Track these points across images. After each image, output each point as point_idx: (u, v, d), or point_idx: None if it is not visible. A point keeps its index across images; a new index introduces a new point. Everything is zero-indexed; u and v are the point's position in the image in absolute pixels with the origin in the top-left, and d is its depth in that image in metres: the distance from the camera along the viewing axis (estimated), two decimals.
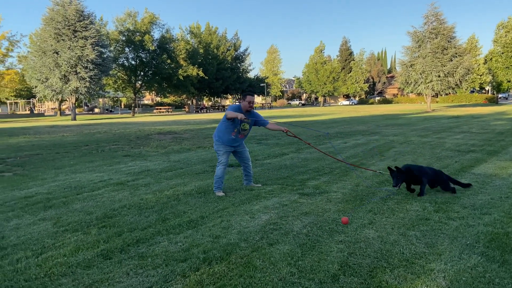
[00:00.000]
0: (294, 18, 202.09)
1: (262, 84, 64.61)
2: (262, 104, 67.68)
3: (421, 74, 37.96)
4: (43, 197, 5.69)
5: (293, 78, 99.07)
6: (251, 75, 67.49)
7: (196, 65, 48.39)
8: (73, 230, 4.24)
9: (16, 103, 60.77)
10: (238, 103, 6.00)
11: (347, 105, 75.76)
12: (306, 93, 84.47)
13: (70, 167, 8.32)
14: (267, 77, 75.53)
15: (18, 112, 55.62)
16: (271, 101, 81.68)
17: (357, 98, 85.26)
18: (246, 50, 63.83)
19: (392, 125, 18.99)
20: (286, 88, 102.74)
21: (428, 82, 37.91)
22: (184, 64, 46.92)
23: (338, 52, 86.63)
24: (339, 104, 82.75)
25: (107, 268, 3.25)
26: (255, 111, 5.75)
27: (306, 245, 3.61)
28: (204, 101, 73.51)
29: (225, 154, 5.68)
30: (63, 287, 2.95)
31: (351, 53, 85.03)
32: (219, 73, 55.31)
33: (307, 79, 73.85)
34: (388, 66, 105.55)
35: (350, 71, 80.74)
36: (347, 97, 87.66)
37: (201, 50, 53.99)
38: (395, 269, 3.09)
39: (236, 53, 61.37)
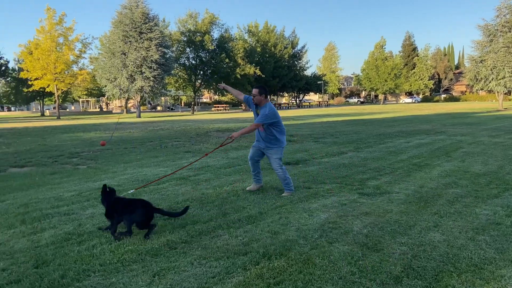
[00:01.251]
0: (354, 14, 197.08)
1: (319, 82, 63.80)
2: (319, 102, 66.87)
3: (492, 70, 35.32)
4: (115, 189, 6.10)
5: (351, 75, 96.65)
6: (308, 72, 66.87)
7: (253, 64, 48.90)
8: None
9: (87, 101, 65.45)
10: (268, 102, 5.62)
11: (409, 103, 72.45)
12: (365, 90, 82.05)
13: (137, 162, 8.84)
14: (325, 75, 74.42)
15: (89, 110, 59.90)
16: (328, 99, 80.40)
17: (420, 96, 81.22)
18: (303, 47, 63.34)
19: (459, 124, 17.89)
20: (344, 85, 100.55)
21: (500, 79, 35.17)
22: (241, 63, 47.63)
23: (400, 47, 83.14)
24: (401, 102, 79.37)
25: (172, 257, 3.44)
26: (264, 108, 5.39)
27: (366, 245, 3.55)
28: None
29: (252, 148, 5.81)
30: (134, 272, 3.17)
31: (414, 49, 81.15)
32: (275, 71, 55.46)
33: (367, 76, 71.70)
34: (456, 62, 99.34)
35: (414, 67, 77.07)
36: (409, 94, 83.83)
37: (259, 49, 54.46)
38: (462, 274, 2.95)
39: (293, 51, 61.12)
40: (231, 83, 48.79)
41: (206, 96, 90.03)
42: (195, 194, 5.65)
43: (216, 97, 74.02)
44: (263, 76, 50.40)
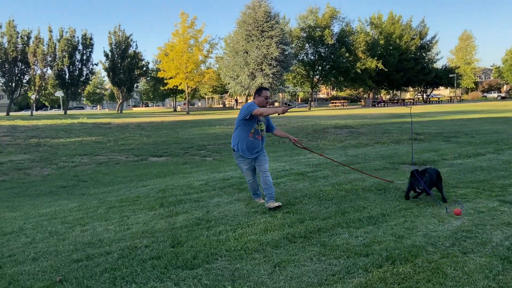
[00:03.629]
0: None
1: (451, 75, 57.81)
2: (450, 97, 60.67)
3: None
4: (237, 181, 6.49)
5: (490, 67, 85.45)
6: (438, 65, 61.06)
7: (376, 57, 46.69)
8: (263, 212, 4.71)
9: (212, 98, 70.66)
10: (251, 101, 4.99)
11: None
12: (507, 84, 71.69)
13: None
14: (458, 67, 67.11)
15: (213, 106, 64.62)
16: (461, 94, 72.43)
17: None
18: (433, 38, 57.95)
19: None
20: (481, 78, 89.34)
21: None
22: (362, 57, 45.92)
23: None
24: None
25: (292, 250, 3.50)
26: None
27: (508, 259, 3.12)
28: (381, 95, 70.53)
29: (248, 171, 5.02)
30: (256, 261, 3.32)
31: None
32: (400, 64, 52.02)
33: (510, 68, 62.54)
34: None
35: None
36: None
37: (382, 41, 51.74)
38: None
39: (421, 42, 56.47)
40: (351, 78, 47.48)
41: (324, 92, 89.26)
42: (313, 190, 5.66)
43: (334, 92, 72.83)
44: (385, 70, 47.82)
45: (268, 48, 35.47)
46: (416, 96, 67.42)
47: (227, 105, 61.88)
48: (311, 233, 3.91)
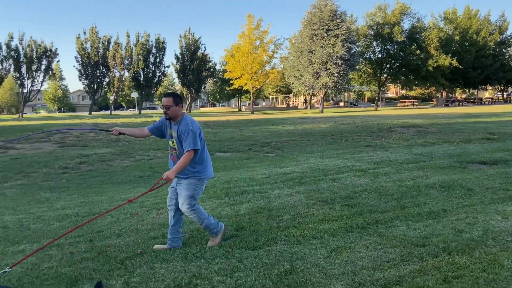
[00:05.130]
0: None
1: None
2: None
3: None
4: (297, 175, 6.72)
5: None
6: None
7: (450, 54, 44.01)
8: (321, 203, 4.89)
9: (276, 98, 71.23)
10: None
11: None
12: None
13: (319, 153, 9.37)
14: None
15: (277, 106, 65.13)
16: None
17: None
18: None
19: None
20: None
21: None
22: (434, 54, 43.51)
23: None
24: None
25: (348, 238, 3.66)
26: (184, 124, 3.56)
27: None
28: (456, 94, 66.19)
29: (170, 190, 3.86)
30: (313, 246, 3.53)
31: None
32: (477, 61, 48.48)
33: None
34: None
35: None
36: None
37: (457, 37, 48.61)
38: None
39: (501, 37, 52.12)
40: (422, 77, 45.27)
41: (392, 91, 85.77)
42: (374, 185, 5.71)
43: (403, 91, 69.78)
44: (460, 67, 44.91)
45: (333, 47, 35.06)
46: (495, 95, 62.32)
47: (291, 105, 62.06)
48: (368, 224, 4.03)
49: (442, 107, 42.65)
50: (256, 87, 44.64)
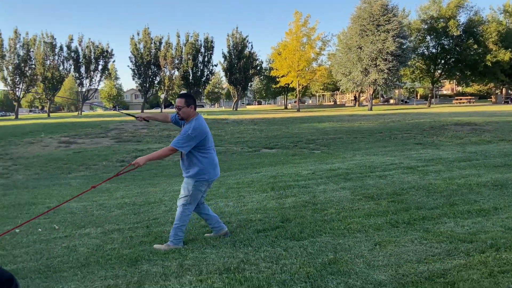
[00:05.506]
0: None
1: None
2: None
3: None
4: (343, 171, 6.74)
5: None
6: None
7: (510, 49, 41.27)
8: (367, 199, 4.92)
9: (323, 95, 70.42)
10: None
11: None
12: None
13: (365, 150, 9.28)
14: None
15: (324, 103, 64.38)
16: None
17: None
18: None
19: None
20: None
21: None
22: (493, 49, 41.00)
23: None
24: None
25: (393, 233, 3.69)
26: (189, 124, 3.72)
27: None
28: None
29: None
30: (358, 239, 3.60)
31: None
32: None
33: None
34: None
35: None
36: None
37: None
38: None
39: None
40: (479, 72, 42.91)
41: (447, 88, 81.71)
42: (422, 183, 5.63)
43: (459, 88, 66.34)
44: None
45: (383, 43, 34.10)
46: None
47: (338, 103, 61.09)
48: (415, 220, 4.02)
49: (501, 105, 40.14)
50: (302, 85, 44.47)
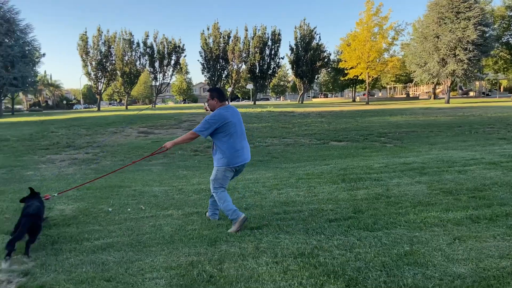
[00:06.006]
0: None
1: None
2: None
3: None
4: (418, 165, 6.52)
5: None
6: None
7: None
8: (445, 194, 4.75)
9: (394, 87, 67.36)
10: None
11: None
12: None
13: (443, 144, 8.83)
14: None
15: (395, 96, 61.58)
16: None
17: None
18: None
19: None
20: None
21: None
22: None
23: None
24: None
25: (474, 228, 3.56)
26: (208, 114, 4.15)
27: None
28: None
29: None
30: (435, 233, 3.53)
31: None
32: None
33: None
34: None
35: None
36: None
37: None
38: None
39: None
40: None
41: None
42: (506, 179, 5.29)
43: None
44: None
45: (464, 31, 31.75)
46: None
47: (411, 95, 58.12)
48: (497, 216, 3.83)
49: None
50: (372, 77, 42.96)
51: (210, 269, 3.06)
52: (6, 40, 32.14)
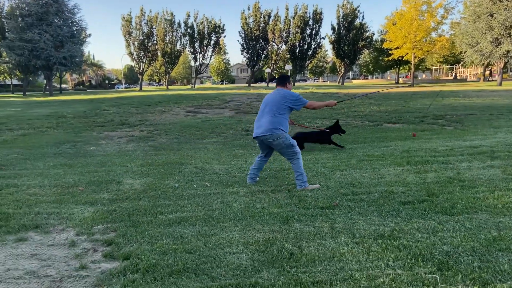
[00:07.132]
0: None
1: None
2: None
3: None
4: (487, 149, 6.19)
5: None
6: None
7: None
8: None
9: (439, 69, 64.34)
10: (287, 90, 4.87)
11: None
12: None
13: (508, 128, 8.34)
14: None
15: (441, 78, 58.86)
16: None
17: None
18: None
19: None
20: None
21: None
22: None
23: None
24: None
25: None
26: None
27: None
28: None
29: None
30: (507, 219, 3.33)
31: None
32: None
33: None
34: None
35: None
36: None
37: None
38: None
39: None
40: None
41: None
42: None
43: None
44: None
45: None
46: None
47: (458, 77, 55.37)
48: None
49: None
50: (418, 57, 41.17)
51: (289, 246, 3.04)
52: (55, 20, 33.31)
